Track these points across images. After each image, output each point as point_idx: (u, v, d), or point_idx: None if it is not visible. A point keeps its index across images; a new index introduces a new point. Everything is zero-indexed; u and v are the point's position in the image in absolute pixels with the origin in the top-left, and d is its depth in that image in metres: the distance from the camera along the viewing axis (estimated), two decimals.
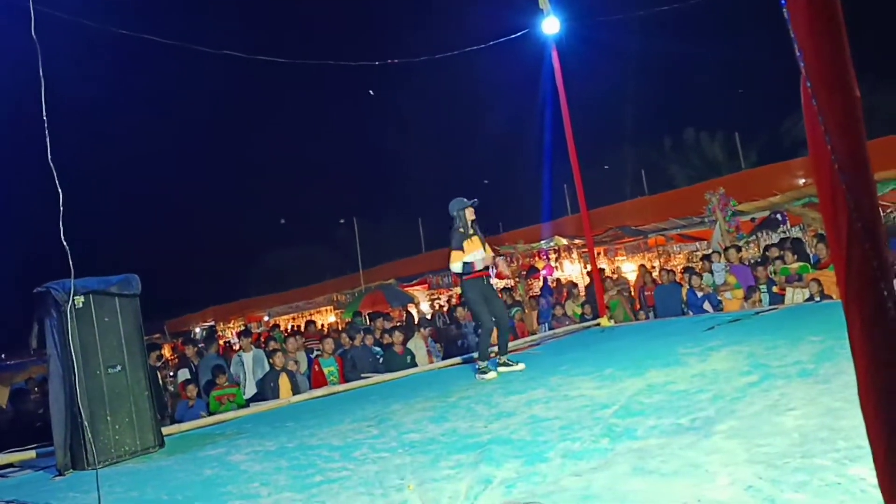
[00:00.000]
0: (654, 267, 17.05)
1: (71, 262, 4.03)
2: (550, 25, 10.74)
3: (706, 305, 10.77)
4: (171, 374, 11.23)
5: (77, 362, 5.28)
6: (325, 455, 4.48)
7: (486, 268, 7.25)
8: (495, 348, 7.27)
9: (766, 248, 12.70)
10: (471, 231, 7.19)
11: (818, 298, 9.20)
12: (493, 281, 21.22)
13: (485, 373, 6.99)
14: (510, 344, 10.14)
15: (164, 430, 6.18)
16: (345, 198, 46.05)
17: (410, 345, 10.79)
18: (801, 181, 16.02)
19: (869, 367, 1.28)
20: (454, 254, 7.12)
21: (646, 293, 12.95)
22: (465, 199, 7.27)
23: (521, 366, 7.17)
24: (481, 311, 7.14)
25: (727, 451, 3.06)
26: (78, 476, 5.14)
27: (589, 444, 3.63)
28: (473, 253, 7.10)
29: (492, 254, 7.46)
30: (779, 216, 15.19)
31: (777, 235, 14.94)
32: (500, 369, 7.17)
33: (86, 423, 5.09)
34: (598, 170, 28.01)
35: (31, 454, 6.20)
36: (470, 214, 7.23)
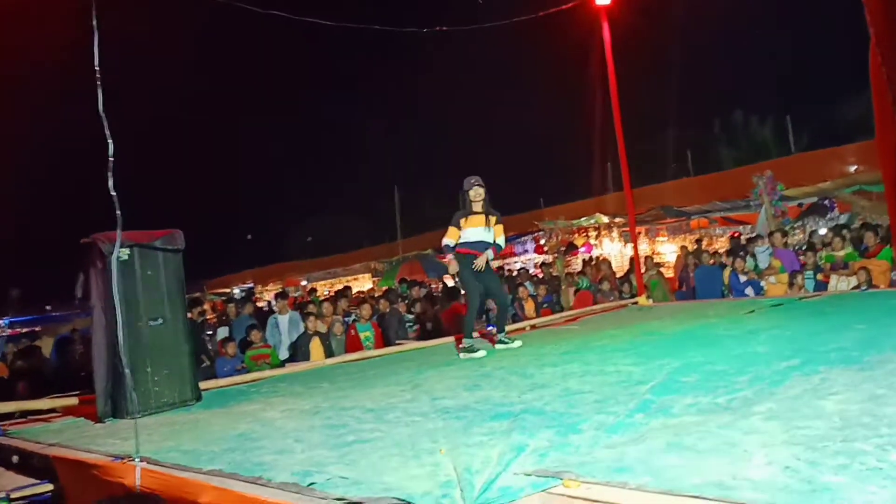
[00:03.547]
0: (695, 248, 16.83)
1: (118, 214, 4.08)
2: None
3: (748, 290, 10.59)
4: (209, 332, 11.41)
5: (120, 313, 5.39)
6: (358, 416, 4.52)
7: (482, 245, 7.16)
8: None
9: (812, 233, 12.46)
10: (476, 210, 7.16)
11: (864, 287, 8.99)
12: (529, 257, 21.20)
13: (471, 351, 6.90)
14: (543, 319, 10.14)
15: (202, 385, 6.29)
16: (387, 167, 46.19)
17: None
18: (853, 168, 15.63)
19: None
20: (448, 230, 7.14)
21: (689, 274, 12.79)
22: (473, 180, 7.23)
23: (518, 343, 7.22)
24: (471, 287, 7.14)
25: (765, 432, 3.01)
26: (117, 424, 5.27)
27: (623, 418, 3.60)
28: (467, 231, 7.10)
29: (501, 240, 7.36)
30: (827, 202, 14.86)
31: (825, 222, 14.62)
32: (498, 346, 7.21)
33: (127, 373, 5.20)
34: (643, 148, 27.57)
35: (74, 401, 6.36)
36: (475, 195, 7.19)
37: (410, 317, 11.06)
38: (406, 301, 12.00)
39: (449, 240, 7.14)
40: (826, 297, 8.72)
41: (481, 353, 6.87)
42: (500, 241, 7.34)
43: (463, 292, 7.46)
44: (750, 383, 4.08)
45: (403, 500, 2.67)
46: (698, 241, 15.94)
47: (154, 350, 5.65)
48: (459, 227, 7.13)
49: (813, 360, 4.55)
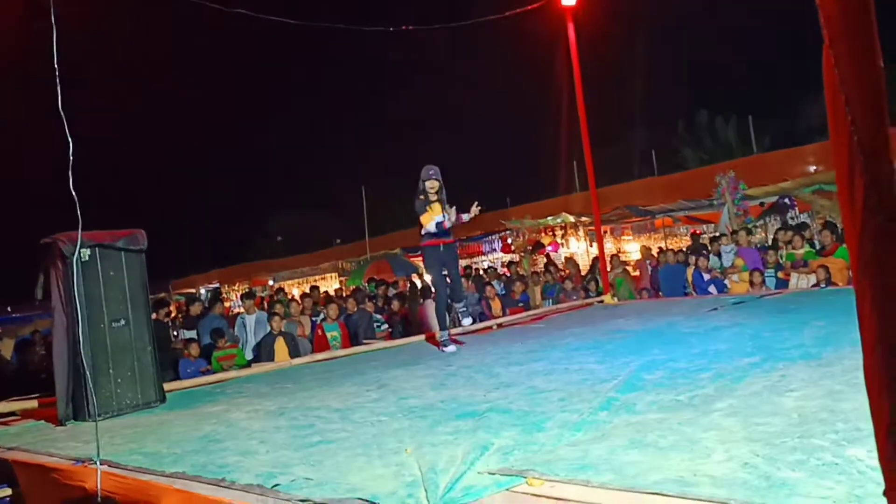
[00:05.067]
0: (660, 248, 17.00)
1: (79, 214, 4.02)
2: None
3: (712, 288, 10.74)
4: (175, 333, 11.28)
5: (81, 314, 5.31)
6: (324, 416, 4.50)
7: (447, 234, 7.23)
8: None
9: (777, 231, 12.66)
10: (432, 199, 7.18)
11: (824, 285, 9.16)
12: (496, 256, 21.25)
13: (446, 345, 7.12)
14: (509, 318, 10.18)
15: (166, 386, 6.21)
16: (354, 165, 46.02)
17: None
18: (813, 168, 15.93)
19: (877, 340, 1.27)
20: (423, 217, 7.15)
21: (650, 272, 12.93)
22: (432, 171, 7.24)
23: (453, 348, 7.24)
24: (437, 278, 7.27)
25: (725, 429, 3.06)
26: (78, 427, 5.19)
27: (587, 416, 3.63)
28: (435, 217, 7.13)
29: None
30: (787, 201, 15.11)
31: (786, 220, 14.87)
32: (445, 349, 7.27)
33: (88, 375, 5.12)
34: (608, 148, 27.76)
35: (34, 403, 6.25)
36: (430, 185, 7.20)
37: (380, 317, 11.03)
38: (374, 300, 11.97)
39: (430, 224, 7.09)
40: (787, 294, 8.89)
41: (452, 349, 7.09)
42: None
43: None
44: (711, 380, 4.14)
45: (368, 501, 2.67)
46: (693, 237, 15.99)
47: (116, 351, 5.57)
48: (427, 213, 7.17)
49: (773, 356, 4.64)
